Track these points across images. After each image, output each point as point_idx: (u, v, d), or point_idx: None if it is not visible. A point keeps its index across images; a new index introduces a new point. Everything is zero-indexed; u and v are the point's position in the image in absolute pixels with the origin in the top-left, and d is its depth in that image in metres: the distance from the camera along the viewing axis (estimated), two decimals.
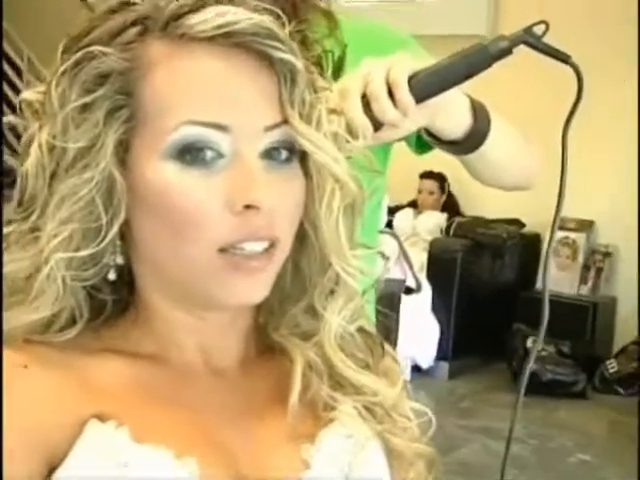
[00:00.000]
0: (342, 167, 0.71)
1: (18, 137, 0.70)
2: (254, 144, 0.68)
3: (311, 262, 0.75)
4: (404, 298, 4.38)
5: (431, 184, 5.41)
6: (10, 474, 0.62)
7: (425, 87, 0.91)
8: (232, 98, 0.67)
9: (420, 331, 4.51)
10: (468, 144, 1.03)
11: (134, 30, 0.68)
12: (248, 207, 0.66)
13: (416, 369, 4.62)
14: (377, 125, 0.90)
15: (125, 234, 0.70)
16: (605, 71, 4.26)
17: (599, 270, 4.97)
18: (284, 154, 0.70)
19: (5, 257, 0.69)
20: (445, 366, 4.73)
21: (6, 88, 6.46)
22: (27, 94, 0.70)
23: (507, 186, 1.24)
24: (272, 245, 0.69)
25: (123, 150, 0.68)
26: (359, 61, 0.94)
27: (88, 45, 0.67)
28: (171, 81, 0.67)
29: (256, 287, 0.69)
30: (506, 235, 4.93)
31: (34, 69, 6.46)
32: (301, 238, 0.73)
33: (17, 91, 6.41)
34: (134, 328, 0.74)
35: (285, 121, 0.69)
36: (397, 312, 4.14)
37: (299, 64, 0.70)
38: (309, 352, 0.75)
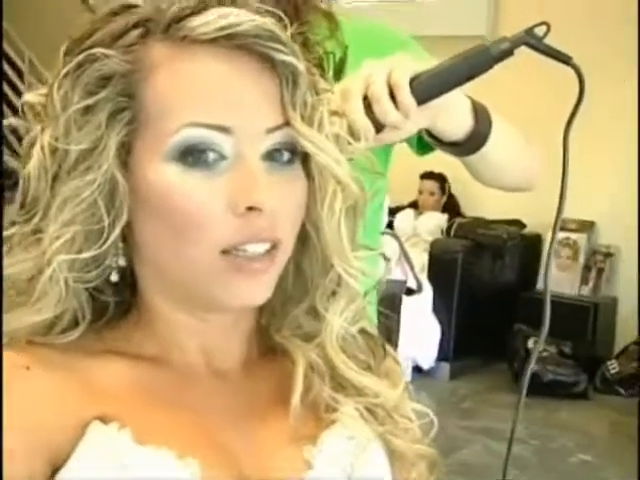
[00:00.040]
0: (344, 169, 0.71)
1: (20, 139, 0.71)
2: (256, 146, 0.68)
3: (313, 263, 0.75)
4: (405, 299, 4.36)
5: (432, 185, 5.40)
6: (11, 474, 0.62)
7: (427, 89, 0.91)
8: (234, 100, 0.67)
9: (421, 332, 4.51)
10: (469, 145, 1.03)
11: (136, 32, 0.68)
12: (250, 209, 0.66)
13: (417, 370, 4.61)
14: (379, 127, 0.90)
15: (127, 236, 0.70)
16: (605, 71, 4.25)
17: (600, 270, 4.97)
18: (286, 156, 0.70)
19: (7, 259, 0.69)
20: (446, 367, 4.73)
21: (7, 89, 6.46)
22: (29, 96, 0.70)
23: (508, 187, 1.24)
24: (274, 247, 0.69)
25: (125, 152, 0.68)
26: (360, 62, 0.94)
27: (90, 47, 0.67)
28: (173, 83, 0.67)
29: (258, 289, 0.69)
30: (507, 236, 4.93)
31: (35, 70, 6.45)
32: (303, 240, 0.73)
33: (18, 92, 6.41)
34: (136, 330, 0.74)
35: (287, 123, 0.69)
36: (398, 313, 4.13)
37: (301, 66, 0.70)
38: (311, 353, 0.75)
